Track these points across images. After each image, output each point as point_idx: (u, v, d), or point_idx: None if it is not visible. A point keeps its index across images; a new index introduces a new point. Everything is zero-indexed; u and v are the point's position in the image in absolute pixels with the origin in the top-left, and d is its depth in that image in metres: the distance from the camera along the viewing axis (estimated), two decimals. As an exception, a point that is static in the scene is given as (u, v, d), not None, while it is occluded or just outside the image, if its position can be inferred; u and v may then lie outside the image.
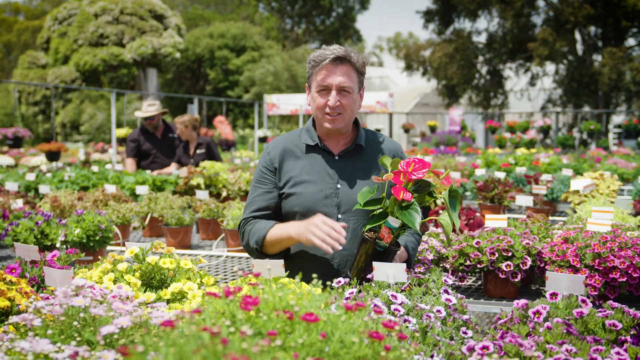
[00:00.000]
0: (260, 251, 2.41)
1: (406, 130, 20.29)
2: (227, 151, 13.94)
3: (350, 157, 2.48)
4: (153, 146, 7.09)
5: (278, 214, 2.50)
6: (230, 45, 32.26)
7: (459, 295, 2.00)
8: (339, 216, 2.41)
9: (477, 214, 3.69)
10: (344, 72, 2.35)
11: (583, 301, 1.79)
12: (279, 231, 2.36)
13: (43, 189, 5.32)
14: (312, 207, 2.39)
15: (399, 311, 1.76)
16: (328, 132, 2.45)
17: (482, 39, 52.82)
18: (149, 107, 7.08)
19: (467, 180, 6.50)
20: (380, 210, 2.17)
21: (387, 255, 2.19)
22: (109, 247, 3.97)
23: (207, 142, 7.30)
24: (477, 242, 2.83)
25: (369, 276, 2.14)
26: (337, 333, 1.19)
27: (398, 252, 2.28)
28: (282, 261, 2.00)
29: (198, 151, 7.30)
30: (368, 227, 2.19)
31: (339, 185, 2.42)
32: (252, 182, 2.53)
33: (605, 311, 1.74)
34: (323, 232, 2.16)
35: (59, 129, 29.46)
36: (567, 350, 1.50)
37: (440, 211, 3.70)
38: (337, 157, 2.47)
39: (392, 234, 2.17)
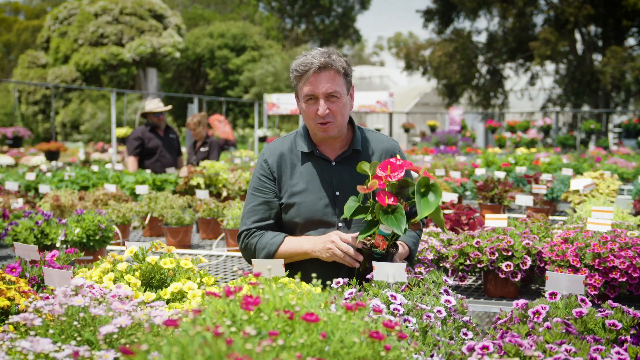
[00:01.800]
0: None
1: (406, 130, 20.28)
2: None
3: (347, 163, 2.43)
4: (158, 144, 7.07)
5: (278, 222, 2.46)
6: (230, 45, 32.26)
7: (459, 295, 2.00)
8: (340, 224, 2.38)
9: (477, 214, 3.69)
10: (329, 78, 2.30)
11: (582, 301, 1.79)
12: (291, 247, 2.35)
13: (43, 188, 5.32)
14: (312, 216, 2.37)
15: (399, 311, 1.77)
16: (322, 140, 2.42)
17: (482, 38, 52.83)
18: (159, 103, 7.08)
19: (467, 180, 6.50)
20: (371, 218, 2.14)
21: (385, 259, 2.18)
22: (109, 247, 3.97)
23: (211, 141, 7.34)
24: (477, 242, 2.83)
25: (368, 276, 2.14)
26: (337, 333, 1.19)
27: (397, 252, 2.27)
28: (282, 261, 2.00)
29: (202, 149, 7.34)
30: (361, 237, 2.16)
31: (337, 193, 2.39)
32: (250, 190, 2.47)
33: (605, 311, 1.74)
34: (342, 252, 2.22)
35: (59, 129, 29.46)
36: (566, 350, 1.50)
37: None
38: (333, 163, 2.43)
39: (386, 241, 2.14)
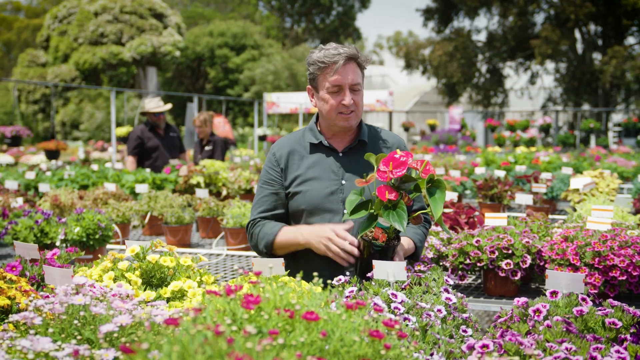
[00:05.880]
0: (269, 254, 2.45)
1: (406, 129, 20.29)
2: None
3: (354, 153, 2.50)
4: (158, 143, 7.04)
5: (285, 213, 2.52)
6: (230, 44, 32.23)
7: (459, 294, 2.00)
8: (345, 212, 2.41)
9: (477, 213, 3.69)
10: (353, 69, 2.40)
11: (583, 299, 1.79)
12: (287, 236, 2.39)
13: (43, 187, 5.32)
14: (318, 204, 2.42)
15: (399, 310, 1.77)
16: (340, 130, 2.47)
17: (481, 37, 52.78)
18: (159, 102, 7.06)
19: (467, 179, 6.50)
20: (371, 212, 2.15)
21: (387, 251, 2.19)
22: (108, 246, 3.97)
23: (215, 140, 7.32)
24: (477, 241, 2.83)
25: (368, 275, 2.14)
26: (337, 332, 1.19)
27: (398, 246, 2.27)
28: (282, 260, 2.00)
29: (206, 148, 7.33)
30: (361, 233, 2.17)
31: (343, 182, 2.44)
32: (259, 183, 2.56)
33: (605, 309, 1.74)
34: (337, 247, 2.24)
35: (59, 128, 29.43)
36: (566, 348, 1.50)
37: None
38: (341, 154, 2.50)
39: (385, 233, 2.17)
